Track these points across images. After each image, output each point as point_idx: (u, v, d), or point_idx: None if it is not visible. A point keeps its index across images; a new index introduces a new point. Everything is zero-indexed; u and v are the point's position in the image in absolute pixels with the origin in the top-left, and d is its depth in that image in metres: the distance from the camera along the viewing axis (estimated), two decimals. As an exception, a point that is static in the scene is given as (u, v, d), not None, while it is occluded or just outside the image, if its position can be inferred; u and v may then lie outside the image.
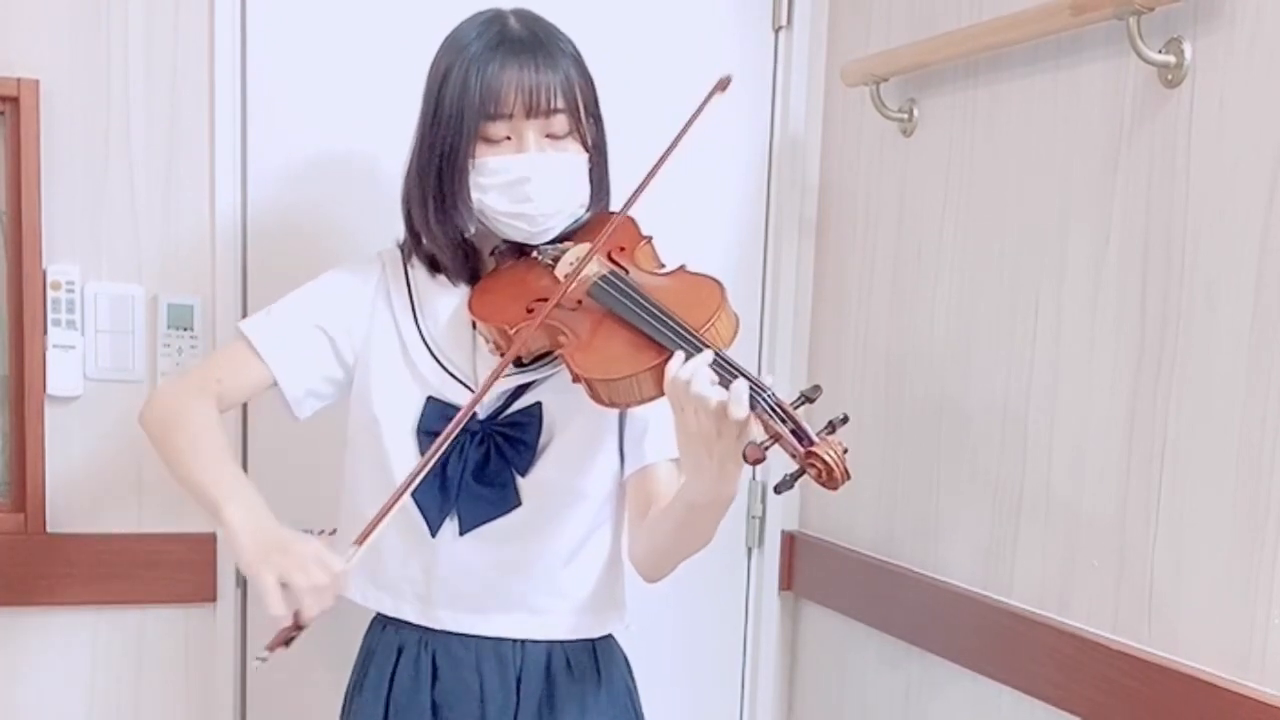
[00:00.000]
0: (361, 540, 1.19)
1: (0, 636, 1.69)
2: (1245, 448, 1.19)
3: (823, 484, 1.09)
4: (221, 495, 1.21)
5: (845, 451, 1.09)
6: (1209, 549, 1.23)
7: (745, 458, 1.11)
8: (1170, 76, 1.27)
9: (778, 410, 1.12)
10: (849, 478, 1.09)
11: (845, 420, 1.12)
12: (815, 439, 1.10)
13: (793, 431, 1.11)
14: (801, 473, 1.11)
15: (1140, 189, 1.32)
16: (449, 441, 1.24)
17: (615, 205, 1.40)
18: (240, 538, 1.17)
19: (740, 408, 1.10)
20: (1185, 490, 1.26)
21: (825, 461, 1.08)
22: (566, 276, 1.28)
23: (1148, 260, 1.31)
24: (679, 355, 1.15)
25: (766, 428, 1.12)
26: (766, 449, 1.11)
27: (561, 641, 1.41)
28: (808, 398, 1.14)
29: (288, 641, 1.14)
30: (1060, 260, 1.43)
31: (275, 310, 1.39)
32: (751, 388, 1.11)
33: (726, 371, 1.14)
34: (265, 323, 1.38)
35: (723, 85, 1.37)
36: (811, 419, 1.13)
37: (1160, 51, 1.27)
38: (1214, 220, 1.23)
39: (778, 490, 1.12)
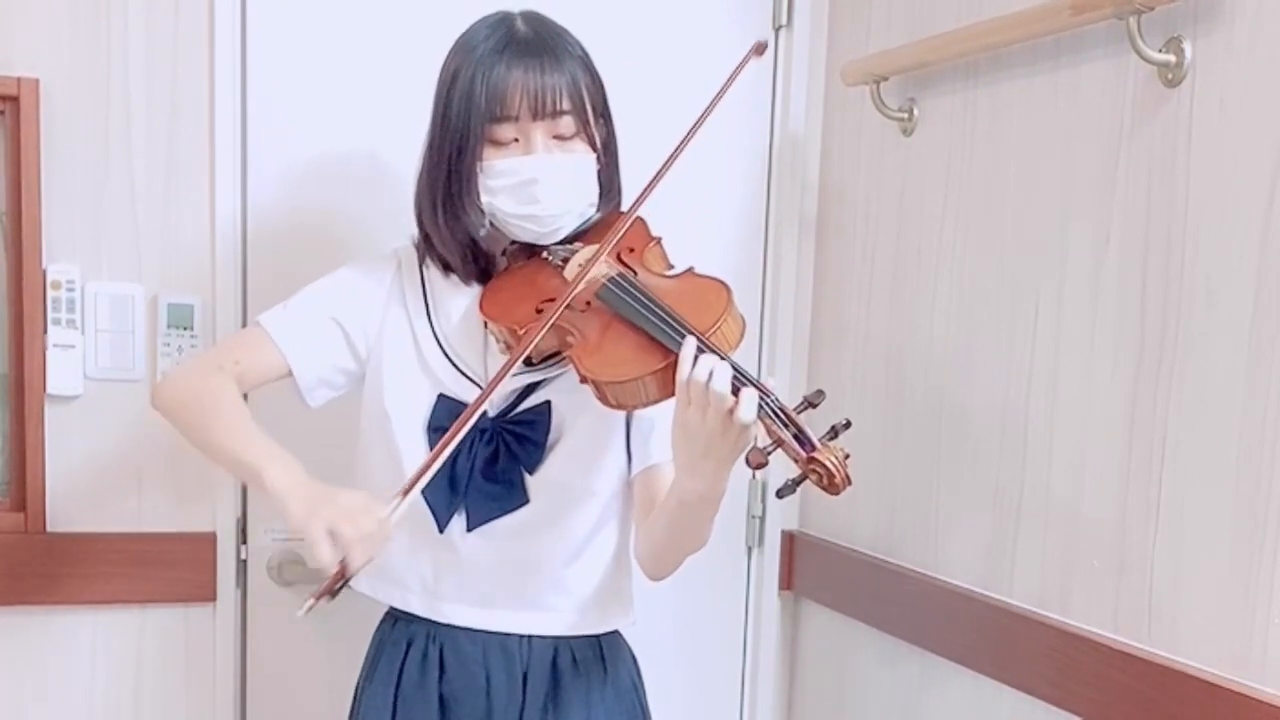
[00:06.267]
0: (405, 492, 1.20)
1: (0, 637, 1.69)
2: (1245, 447, 1.19)
3: (824, 489, 1.10)
4: (260, 460, 1.22)
5: (847, 457, 1.10)
6: (1209, 549, 1.23)
7: (748, 463, 1.12)
8: (1170, 76, 1.27)
9: (780, 414, 1.13)
10: (850, 484, 1.09)
11: (848, 425, 1.13)
12: (817, 444, 1.10)
13: (795, 436, 1.11)
14: (803, 478, 1.11)
15: (1140, 189, 1.32)
16: (465, 429, 1.24)
17: (626, 204, 1.40)
18: (287, 496, 1.19)
19: (749, 412, 1.11)
20: (1185, 490, 1.26)
21: (827, 467, 1.08)
22: (574, 278, 1.29)
23: (1148, 260, 1.31)
24: (689, 345, 1.16)
25: (769, 432, 1.13)
26: (769, 454, 1.12)
27: (568, 637, 1.42)
28: (810, 403, 1.15)
29: (333, 593, 1.15)
30: (1060, 260, 1.43)
31: (291, 303, 1.41)
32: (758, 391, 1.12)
33: (735, 377, 1.14)
34: (281, 314, 1.40)
35: (759, 49, 1.37)
36: (814, 424, 1.13)
37: (1160, 51, 1.27)
38: (1214, 220, 1.23)
39: (780, 495, 1.13)
